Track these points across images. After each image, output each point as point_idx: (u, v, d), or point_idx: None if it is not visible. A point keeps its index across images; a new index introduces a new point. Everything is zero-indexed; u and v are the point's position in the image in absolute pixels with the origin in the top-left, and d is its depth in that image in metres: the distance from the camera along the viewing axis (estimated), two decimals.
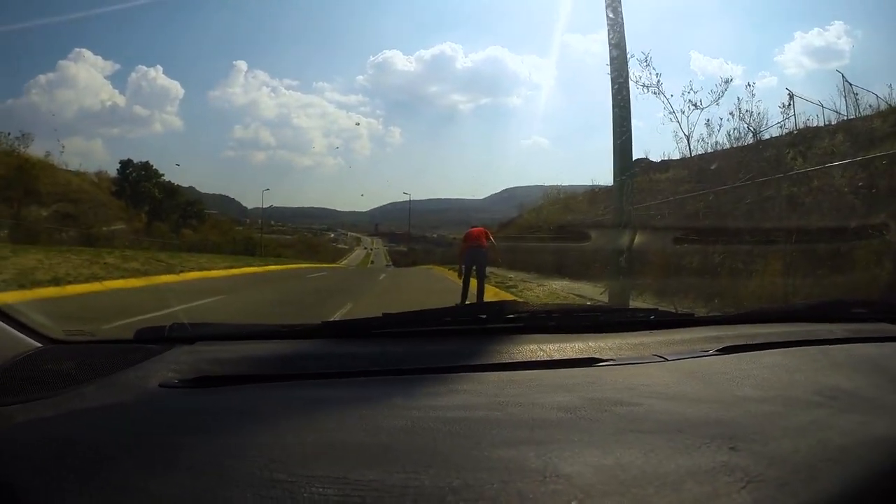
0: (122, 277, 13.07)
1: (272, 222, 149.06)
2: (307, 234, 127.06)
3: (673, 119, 18.96)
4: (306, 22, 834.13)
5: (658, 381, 1.13)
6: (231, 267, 20.00)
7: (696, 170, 16.20)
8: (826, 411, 0.95)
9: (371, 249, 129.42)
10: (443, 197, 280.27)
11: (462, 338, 1.50)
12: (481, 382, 1.13)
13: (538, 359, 1.31)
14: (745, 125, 16.11)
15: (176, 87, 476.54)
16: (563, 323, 1.60)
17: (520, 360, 1.30)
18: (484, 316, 1.60)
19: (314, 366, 1.25)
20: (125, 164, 45.09)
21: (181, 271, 15.90)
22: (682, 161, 19.15)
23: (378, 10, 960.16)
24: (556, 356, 1.32)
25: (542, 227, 26.92)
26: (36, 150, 34.31)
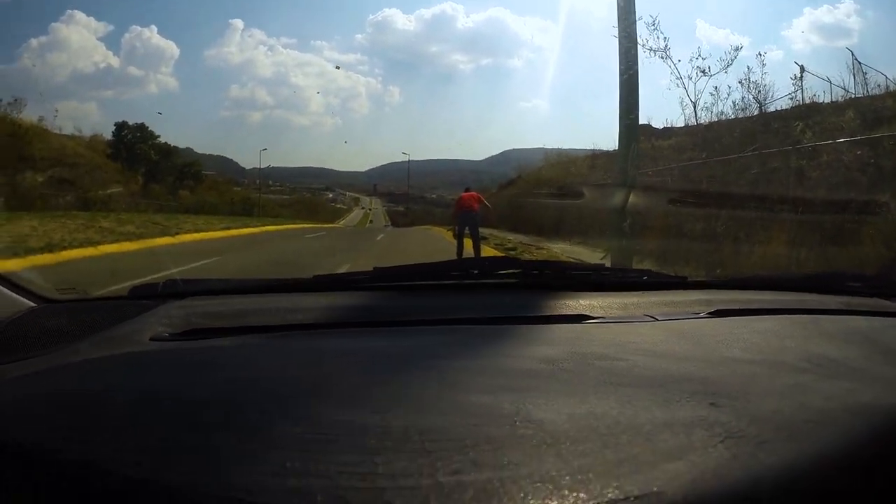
0: (117, 241, 12.99)
1: (270, 182, 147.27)
2: (306, 194, 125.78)
3: (679, 85, 19.00)
4: None
5: (646, 340, 1.12)
6: (228, 228, 19.89)
7: (701, 138, 16.06)
8: (812, 377, 0.95)
9: (370, 209, 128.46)
10: (441, 158, 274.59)
11: (453, 292, 1.51)
12: (467, 334, 1.14)
13: (527, 314, 1.32)
14: (752, 96, 16.18)
15: (171, 47, 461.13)
16: (555, 280, 1.62)
17: (509, 314, 1.30)
18: (476, 271, 1.61)
19: (303, 317, 1.25)
20: (120, 127, 44.54)
21: (177, 233, 15.80)
22: (687, 129, 19.04)
23: None
24: (546, 312, 1.33)
25: (542, 189, 26.64)
26: (30, 115, 34.10)
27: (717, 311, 1.40)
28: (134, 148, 43.74)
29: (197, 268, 9.52)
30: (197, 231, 17.36)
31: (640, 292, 1.57)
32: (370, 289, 1.52)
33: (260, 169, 69.93)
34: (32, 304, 1.34)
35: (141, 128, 45.08)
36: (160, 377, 0.91)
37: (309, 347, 1.07)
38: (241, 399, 0.77)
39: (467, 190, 12.47)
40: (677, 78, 18.62)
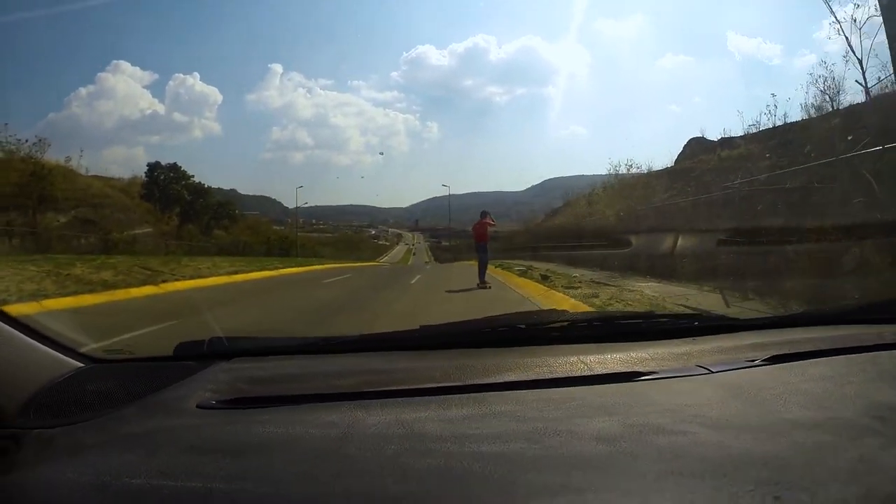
0: (76, 294, 9.81)
1: (313, 221, 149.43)
2: (348, 231, 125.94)
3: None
4: (339, 21, 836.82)
5: (702, 400, 1.07)
6: (238, 272, 16.68)
7: (777, 141, 14.45)
8: (876, 441, 0.87)
9: (413, 245, 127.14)
10: (483, 190, 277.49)
11: (501, 350, 1.46)
12: (519, 403, 1.08)
13: (578, 374, 1.25)
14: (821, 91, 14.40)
15: (214, 93, 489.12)
16: (603, 332, 1.56)
17: (560, 374, 1.24)
18: (523, 326, 1.56)
19: (349, 383, 1.23)
20: (153, 167, 42.58)
21: (163, 281, 12.57)
22: (754, 136, 17.40)
23: (408, 4, 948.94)
24: (597, 369, 1.28)
25: (597, 217, 23.24)
26: (76, 160, 33.54)
27: (772, 357, 1.34)
28: (167, 188, 41.76)
29: (131, 338, 6.11)
30: (198, 276, 14.22)
31: (691, 339, 1.52)
32: (415, 348, 1.49)
33: (297, 207, 66.64)
34: (79, 363, 1.32)
35: (174, 168, 43.06)
36: (210, 452, 0.91)
37: (355, 423, 1.01)
38: (287, 488, 0.78)
39: (483, 215, 13.75)
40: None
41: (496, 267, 19.37)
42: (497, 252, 35.21)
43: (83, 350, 1.37)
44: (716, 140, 21.63)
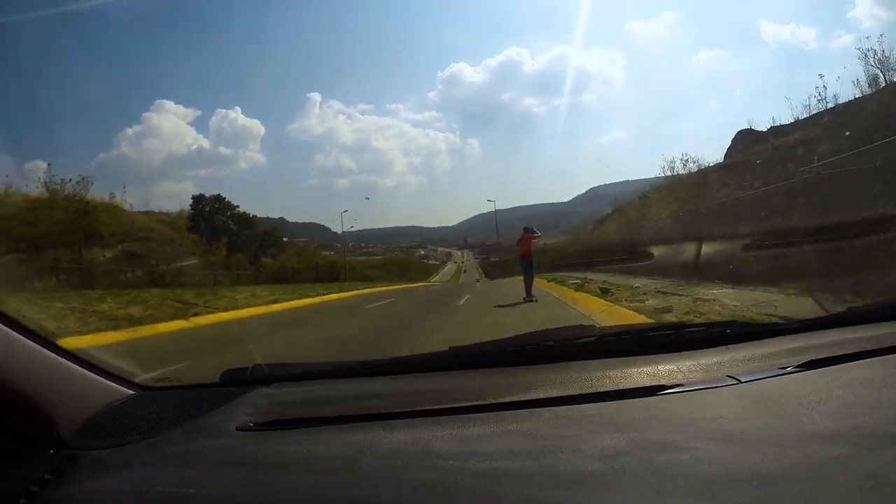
0: (98, 331, 8.87)
1: (362, 245, 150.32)
2: (397, 253, 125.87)
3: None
4: (371, 47, 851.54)
5: (724, 412, 1.05)
6: (278, 300, 15.61)
7: (837, 122, 13.22)
8: None
9: (462, 263, 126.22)
10: (528, 203, 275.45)
11: (528, 368, 1.47)
12: (535, 420, 1.09)
13: (601, 389, 1.23)
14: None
15: (256, 125, 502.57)
16: (633, 345, 1.53)
17: (582, 391, 1.23)
18: (551, 343, 1.56)
19: (376, 405, 1.26)
20: (197, 200, 42.71)
21: (195, 315, 11.61)
22: (812, 119, 16.40)
23: (438, 24, 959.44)
24: (622, 383, 1.25)
25: (651, 221, 21.65)
26: (120, 196, 33.68)
27: (807, 362, 1.28)
28: (212, 219, 41.77)
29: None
30: (233, 308, 13.22)
31: (724, 347, 1.48)
32: (445, 369, 1.52)
33: (344, 231, 66.29)
34: (130, 391, 1.38)
35: (218, 199, 43.03)
36: (246, 472, 0.98)
37: (380, 443, 1.04)
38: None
39: (526, 230, 14.00)
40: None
41: (549, 281, 17.88)
42: (547, 266, 33.81)
43: (134, 379, 1.44)
44: (765, 130, 20.58)
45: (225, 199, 43.37)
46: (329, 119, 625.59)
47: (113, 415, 1.26)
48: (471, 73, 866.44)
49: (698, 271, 13.34)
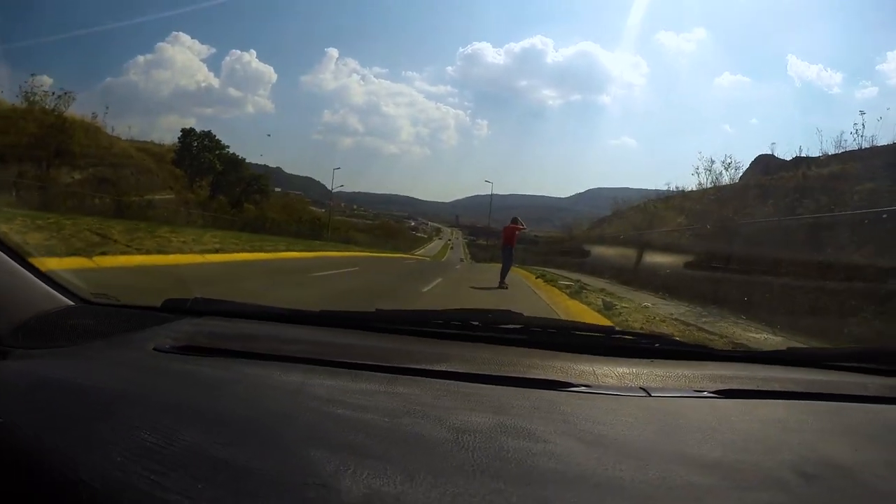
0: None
1: (355, 206, 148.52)
2: (389, 220, 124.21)
3: None
4: (398, 11, 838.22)
5: (612, 419, 1.01)
6: (222, 250, 13.84)
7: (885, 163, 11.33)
8: (772, 498, 0.78)
9: (450, 241, 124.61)
10: (526, 193, 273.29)
11: (448, 342, 1.49)
12: (425, 388, 1.10)
13: (503, 374, 1.21)
14: None
15: (269, 72, 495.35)
16: (558, 341, 1.51)
17: (486, 372, 1.22)
18: (476, 323, 1.56)
19: (294, 349, 1.28)
20: (186, 133, 40.46)
21: (103, 254, 9.88)
22: (847, 155, 14.17)
23: (468, 0, 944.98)
24: (528, 373, 1.23)
25: (662, 232, 19.83)
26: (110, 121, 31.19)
27: (725, 390, 1.23)
28: (199, 156, 39.67)
29: None
30: (159, 251, 11.47)
31: (649, 360, 1.43)
32: (370, 329, 1.54)
33: (336, 190, 64.03)
34: (71, 302, 1.45)
35: (208, 135, 40.80)
36: (150, 386, 1.01)
37: (285, 381, 1.09)
38: (193, 425, 0.84)
39: (513, 221, 14.48)
40: None
41: (537, 277, 16.24)
42: (537, 259, 32.28)
43: (78, 293, 1.49)
44: (788, 159, 18.56)
45: (215, 136, 41.16)
46: (343, 76, 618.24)
47: (49, 320, 1.32)
48: (492, 54, 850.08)
49: (723, 297, 10.96)
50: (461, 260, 57.62)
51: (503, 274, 13.32)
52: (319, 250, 22.06)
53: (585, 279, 16.88)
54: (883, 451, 0.97)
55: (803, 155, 17.73)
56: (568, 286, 13.27)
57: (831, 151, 15.10)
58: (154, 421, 0.82)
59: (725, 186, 20.06)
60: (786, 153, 18.97)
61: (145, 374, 1.08)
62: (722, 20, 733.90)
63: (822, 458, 0.91)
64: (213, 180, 40.83)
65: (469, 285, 13.00)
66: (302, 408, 0.94)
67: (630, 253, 18.81)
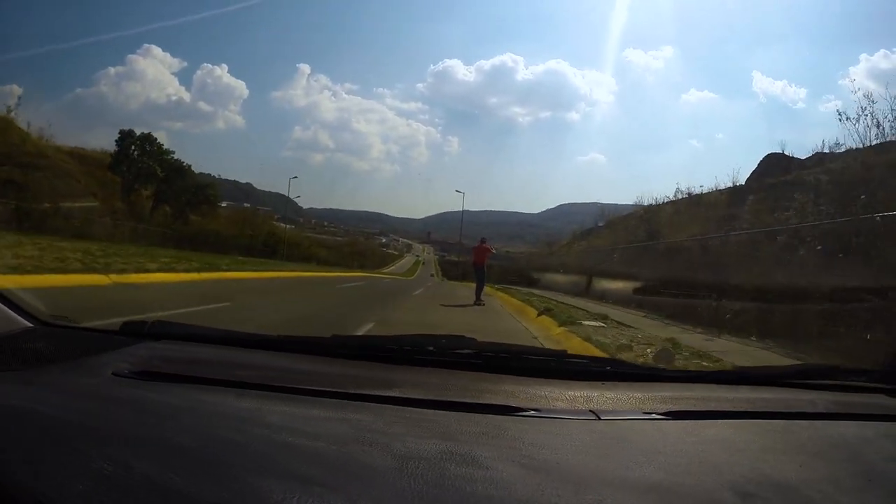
0: None
1: (325, 223, 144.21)
2: (360, 237, 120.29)
3: None
4: (369, 28, 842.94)
5: (558, 443, 1.00)
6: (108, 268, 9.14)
7: None
8: None
9: (421, 257, 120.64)
10: (497, 210, 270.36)
11: (399, 367, 1.45)
12: (374, 415, 1.09)
13: (454, 399, 1.20)
14: None
15: (240, 87, 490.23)
16: (510, 365, 1.48)
17: (437, 397, 1.19)
18: (431, 349, 1.53)
19: (249, 375, 1.27)
20: (124, 136, 35.44)
21: None
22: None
23: (439, 18, 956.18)
24: (479, 398, 1.21)
25: (667, 242, 15.84)
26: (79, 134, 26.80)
27: (673, 411, 1.22)
28: (138, 161, 34.81)
29: None
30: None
31: (600, 383, 1.40)
32: (326, 354, 1.50)
33: (288, 199, 58.72)
34: (29, 324, 1.43)
35: (148, 139, 35.92)
36: (107, 412, 1.01)
37: (238, 408, 1.08)
38: (145, 449, 0.85)
39: (482, 241, 14.90)
40: None
41: (541, 314, 11.91)
42: (513, 279, 28.17)
43: (36, 315, 1.46)
44: (804, 158, 16.65)
45: (156, 139, 36.24)
46: (314, 93, 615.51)
47: (6, 343, 1.32)
48: (463, 72, 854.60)
49: (721, 319, 8.99)
50: (431, 275, 54.13)
51: (477, 292, 13.28)
52: (256, 271, 17.30)
53: (571, 301, 13.71)
54: (829, 468, 0.98)
55: (824, 150, 15.37)
56: (557, 314, 8.94)
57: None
58: (106, 450, 0.82)
59: (743, 187, 16.84)
60: (748, 168, 18.03)
61: (102, 402, 1.07)
62: (689, 38, 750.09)
63: (765, 476, 0.91)
64: (157, 189, 36.04)
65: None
66: (253, 436, 0.93)
67: (621, 270, 16.21)
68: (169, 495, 0.72)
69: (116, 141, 35.29)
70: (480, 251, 14.30)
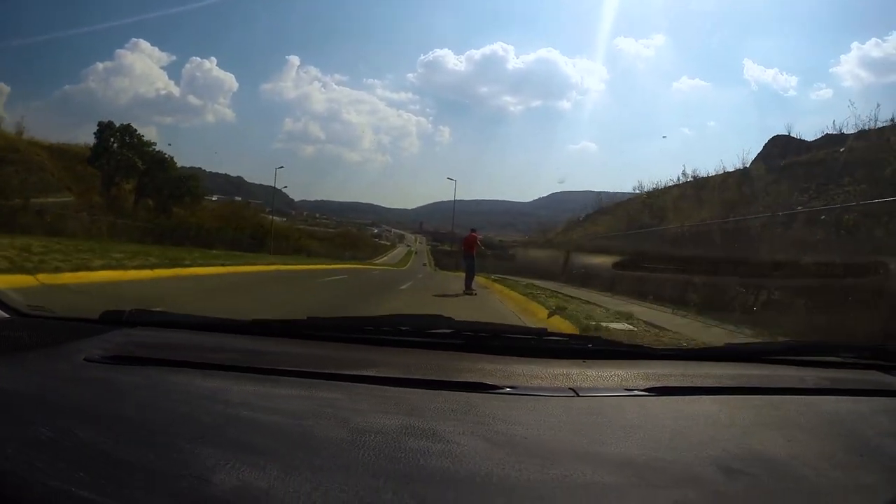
0: None
1: (317, 215, 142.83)
2: (351, 228, 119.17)
3: None
4: (358, 18, 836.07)
5: (530, 419, 0.98)
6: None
7: None
8: (683, 494, 0.74)
9: (413, 247, 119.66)
10: (490, 199, 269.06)
11: (376, 348, 1.41)
12: (345, 393, 1.07)
13: (429, 377, 1.17)
14: None
15: (230, 80, 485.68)
16: (488, 344, 1.45)
17: (411, 376, 1.17)
18: (405, 328, 1.50)
19: (223, 358, 1.25)
20: (103, 128, 33.99)
21: None
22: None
23: (428, 7, 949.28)
24: (456, 376, 1.19)
25: (682, 228, 14.78)
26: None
27: (656, 388, 1.18)
28: (118, 154, 33.39)
29: None
30: None
31: (581, 361, 1.36)
32: (302, 336, 1.47)
33: (275, 190, 57.11)
34: (6, 315, 1.42)
35: (127, 130, 34.50)
36: (79, 395, 1.01)
37: (201, 386, 1.08)
38: (89, 420, 0.86)
39: (472, 230, 15.01)
40: None
41: (525, 294, 10.82)
42: (505, 265, 27.27)
43: (14, 305, 1.45)
44: (812, 139, 15.44)
45: (136, 131, 34.78)
46: (304, 84, 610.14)
47: None
48: (453, 61, 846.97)
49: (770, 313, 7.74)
50: (424, 265, 54.01)
51: (467, 281, 13.25)
52: (228, 265, 16.02)
53: (580, 294, 12.60)
54: (819, 443, 0.96)
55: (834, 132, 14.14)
56: (571, 310, 7.76)
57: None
58: (53, 420, 0.83)
59: (750, 169, 15.62)
60: (736, 158, 16.96)
61: (67, 383, 1.07)
62: (680, 26, 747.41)
63: (751, 452, 0.88)
64: (139, 182, 34.67)
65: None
66: (204, 410, 0.93)
67: (630, 258, 14.69)
68: (102, 458, 0.73)
69: (95, 133, 33.87)
70: (469, 241, 14.29)
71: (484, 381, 1.14)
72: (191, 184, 36.94)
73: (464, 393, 1.09)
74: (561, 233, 31.23)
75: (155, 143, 35.92)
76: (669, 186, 19.67)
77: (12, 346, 1.28)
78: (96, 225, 26.96)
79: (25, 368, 1.15)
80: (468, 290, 12.83)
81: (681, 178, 19.15)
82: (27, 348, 1.27)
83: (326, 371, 1.17)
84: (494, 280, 17.46)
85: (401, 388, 1.10)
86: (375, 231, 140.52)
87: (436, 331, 1.47)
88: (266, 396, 1.02)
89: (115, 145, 33.77)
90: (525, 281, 16.84)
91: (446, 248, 79.97)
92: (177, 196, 35.80)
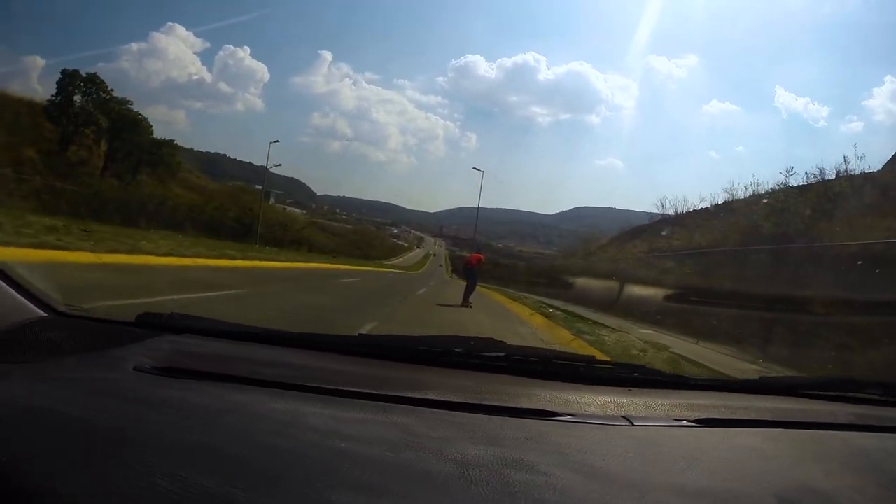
0: None
1: (337, 210, 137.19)
2: (370, 226, 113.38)
3: None
4: (393, 18, 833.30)
5: (600, 449, 0.98)
6: None
7: None
8: None
9: (432, 251, 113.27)
10: (512, 208, 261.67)
11: (430, 369, 1.38)
12: (415, 417, 1.04)
13: (490, 403, 1.14)
14: None
15: (262, 70, 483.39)
16: (539, 370, 1.41)
17: (473, 401, 1.14)
18: (459, 350, 1.45)
19: (275, 373, 1.20)
20: (66, 76, 27.77)
21: None
22: None
23: (463, 12, 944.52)
24: (515, 402, 1.16)
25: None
26: None
27: (703, 419, 1.19)
28: (79, 110, 27.20)
29: None
30: None
31: (628, 389, 1.35)
32: (352, 353, 1.41)
33: (267, 168, 50.16)
34: (44, 313, 1.34)
35: (93, 80, 28.27)
36: (131, 410, 0.93)
37: (276, 409, 1.02)
38: (195, 460, 0.78)
39: (478, 250, 18.36)
40: None
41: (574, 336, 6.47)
42: (535, 280, 21.62)
43: (53, 304, 1.38)
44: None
45: (103, 82, 28.46)
46: (335, 80, 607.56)
47: (21, 333, 1.25)
48: (484, 68, 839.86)
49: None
50: (440, 266, 48.98)
51: (466, 294, 13.33)
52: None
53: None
54: (853, 477, 0.97)
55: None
56: None
57: None
58: (159, 463, 0.75)
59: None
60: (770, 182, 14.41)
61: (127, 401, 0.98)
62: (714, 48, 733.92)
63: (800, 484, 0.91)
64: (110, 146, 28.48)
65: None
66: (301, 441, 0.88)
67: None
68: None
69: (57, 82, 27.69)
70: (475, 259, 14.95)
71: (544, 409, 1.13)
72: (163, 150, 30.42)
73: (530, 420, 1.08)
74: (605, 245, 24.37)
75: (132, 102, 29.67)
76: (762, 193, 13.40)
77: (51, 348, 1.20)
78: (21, 187, 20.69)
79: (77, 379, 1.06)
80: (465, 302, 12.97)
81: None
82: (66, 352, 1.19)
83: (393, 394, 1.12)
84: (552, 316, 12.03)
85: (467, 414, 1.07)
86: (395, 231, 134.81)
87: (488, 354, 1.42)
88: (346, 421, 0.98)
89: (78, 98, 27.62)
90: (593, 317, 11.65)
91: (465, 254, 73.54)
92: (149, 164, 29.44)
